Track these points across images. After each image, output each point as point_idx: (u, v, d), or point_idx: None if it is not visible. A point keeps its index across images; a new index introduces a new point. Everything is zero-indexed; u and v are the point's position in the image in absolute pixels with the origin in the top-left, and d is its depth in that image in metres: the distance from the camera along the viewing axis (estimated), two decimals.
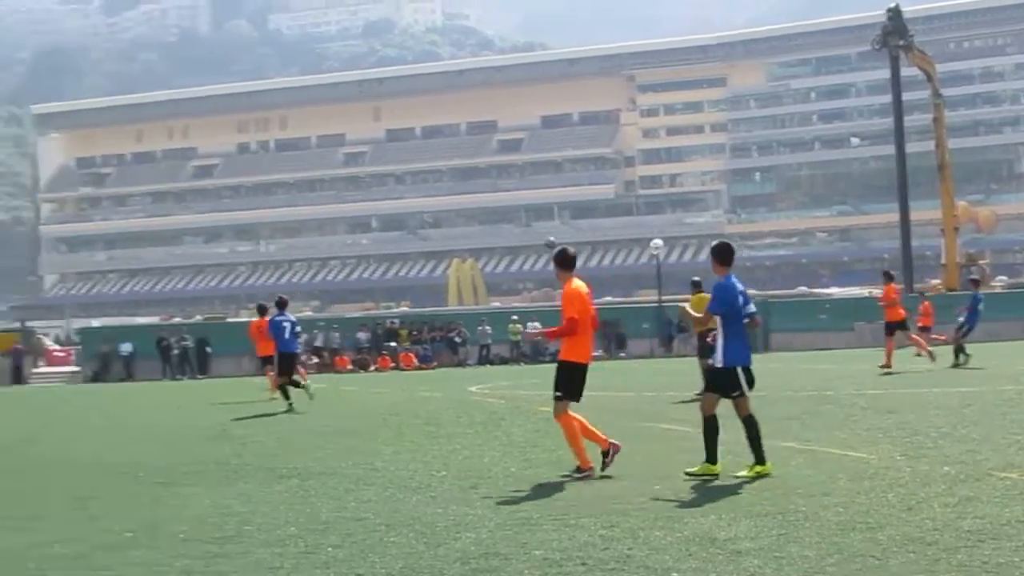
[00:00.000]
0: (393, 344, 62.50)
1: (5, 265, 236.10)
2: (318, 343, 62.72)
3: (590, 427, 13.93)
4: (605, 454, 13.68)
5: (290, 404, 26.91)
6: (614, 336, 62.84)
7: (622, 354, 61.45)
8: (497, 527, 10.70)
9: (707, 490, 12.31)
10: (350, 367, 59.79)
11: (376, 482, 13.78)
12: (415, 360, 60.08)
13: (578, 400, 13.98)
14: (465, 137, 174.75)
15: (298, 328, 28.67)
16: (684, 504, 11.59)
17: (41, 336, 78.59)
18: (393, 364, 60.06)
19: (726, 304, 13.26)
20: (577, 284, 14.01)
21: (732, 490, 12.18)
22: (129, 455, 18.18)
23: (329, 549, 9.98)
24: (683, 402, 23.49)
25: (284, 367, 28.07)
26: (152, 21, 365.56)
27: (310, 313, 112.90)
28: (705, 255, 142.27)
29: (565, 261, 14.15)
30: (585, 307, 13.95)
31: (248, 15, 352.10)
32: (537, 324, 51.33)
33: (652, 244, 77.57)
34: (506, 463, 13.79)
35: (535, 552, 9.54)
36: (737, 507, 11.23)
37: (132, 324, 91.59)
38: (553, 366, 14.41)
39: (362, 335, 64.10)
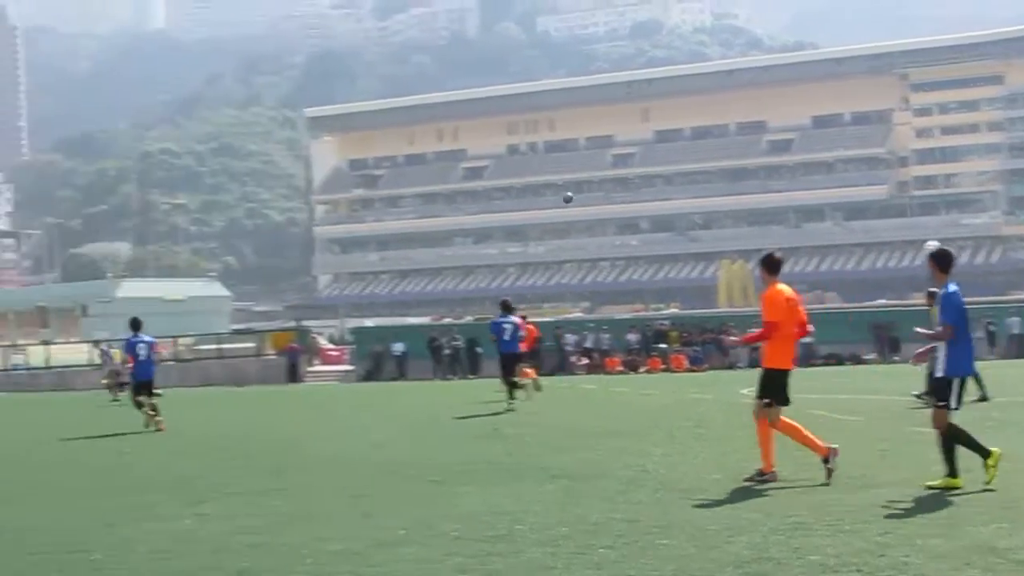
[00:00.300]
0: (663, 346, 62.12)
1: (281, 265, 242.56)
2: (588, 344, 62.83)
3: (807, 434, 13.69)
4: (826, 460, 13.39)
5: (510, 405, 27.49)
6: (887, 339, 61.57)
7: (895, 357, 60.18)
8: (770, 531, 10.52)
9: (983, 499, 11.90)
10: (620, 368, 59.67)
11: (647, 484, 13.67)
12: (686, 362, 59.58)
13: (787, 404, 13.77)
14: (734, 137, 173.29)
15: (521, 332, 29.29)
16: (959, 511, 11.25)
17: (316, 335, 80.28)
18: (663, 366, 59.73)
19: (959, 313, 12.82)
20: (781, 288, 13.87)
21: (1010, 499, 11.75)
22: (401, 453, 18.39)
23: (600, 550, 9.92)
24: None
25: (506, 368, 28.62)
26: (422, 24, 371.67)
27: (579, 314, 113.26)
28: (982, 257, 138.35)
29: (772, 265, 14.03)
30: (790, 312, 13.79)
31: (517, 17, 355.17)
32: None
33: (926, 246, 75.77)
34: (777, 467, 13.53)
35: (810, 557, 9.36)
36: (1017, 516, 10.85)
37: (404, 324, 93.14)
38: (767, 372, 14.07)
39: (632, 336, 63.90)
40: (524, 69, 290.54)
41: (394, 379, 61.00)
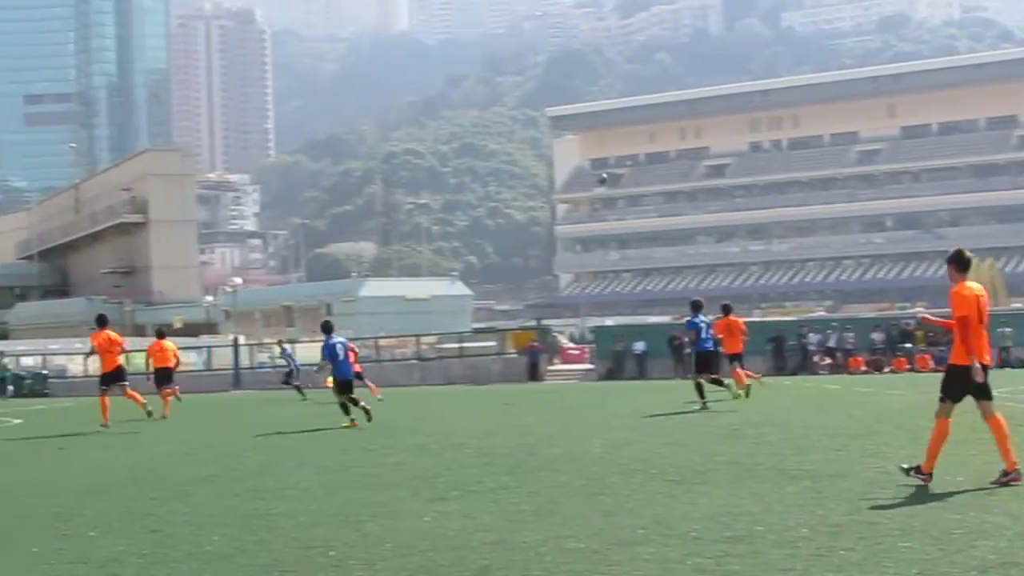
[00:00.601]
0: (908, 345, 61.08)
1: (522, 265, 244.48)
2: (831, 343, 62.13)
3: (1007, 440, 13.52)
4: (1006, 474, 13.20)
5: (704, 404, 27.94)
6: None
7: None
8: (1016, 536, 10.26)
9: None
10: (864, 368, 58.90)
11: (889, 486, 13.42)
12: (931, 362, 58.37)
13: (958, 401, 13.76)
14: (984, 133, 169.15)
15: (712, 331, 29.86)
16: None
17: (557, 334, 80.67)
18: (908, 366, 58.77)
19: None
20: (971, 285, 13.82)
21: None
22: (641, 452, 18.36)
23: (841, 552, 9.78)
24: None
25: (700, 367, 29.12)
26: (665, 22, 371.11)
27: (822, 313, 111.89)
28: None
29: (962, 263, 13.97)
30: (978, 309, 13.77)
31: (760, 14, 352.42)
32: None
33: None
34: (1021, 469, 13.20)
35: None
36: None
37: (645, 323, 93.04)
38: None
39: (876, 336, 62.87)
40: (767, 65, 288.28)
41: (634, 378, 60.99)
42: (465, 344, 74.00)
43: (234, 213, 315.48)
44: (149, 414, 29.99)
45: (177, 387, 35.26)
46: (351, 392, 27.47)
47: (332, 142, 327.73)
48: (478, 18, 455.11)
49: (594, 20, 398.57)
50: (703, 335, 29.27)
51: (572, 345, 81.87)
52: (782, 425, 22.85)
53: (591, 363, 69.09)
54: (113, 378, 30.13)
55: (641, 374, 62.51)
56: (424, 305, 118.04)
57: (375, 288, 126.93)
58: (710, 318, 30.89)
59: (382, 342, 75.97)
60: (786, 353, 62.27)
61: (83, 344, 56.78)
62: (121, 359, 30.48)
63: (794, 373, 58.50)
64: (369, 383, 39.02)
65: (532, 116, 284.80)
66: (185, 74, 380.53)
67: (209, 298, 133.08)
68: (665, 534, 10.83)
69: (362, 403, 27.39)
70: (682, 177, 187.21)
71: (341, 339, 28.33)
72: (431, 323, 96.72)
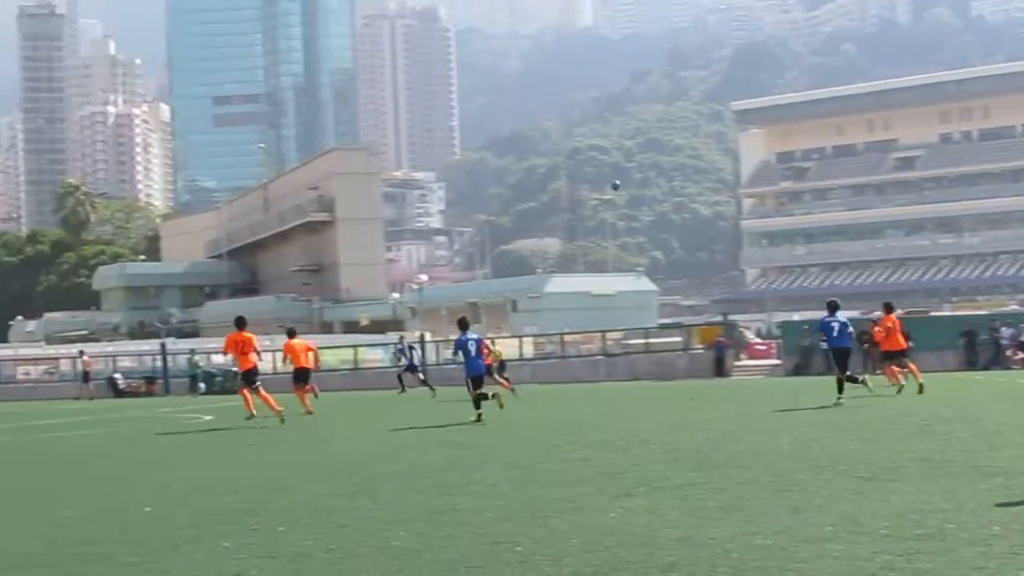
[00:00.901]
0: None
1: (708, 260, 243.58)
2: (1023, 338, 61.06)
3: None
4: None
5: (839, 400, 28.42)
6: None
7: None
8: None
9: None
10: None
11: None
12: None
13: None
14: None
15: (849, 328, 30.72)
16: None
17: (743, 329, 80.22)
18: None
19: None
20: None
21: None
22: (829, 448, 18.16)
23: None
24: None
25: (839, 363, 29.92)
26: (851, 13, 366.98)
27: (1016, 307, 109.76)
28: None
29: None
30: None
31: (949, 3, 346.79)
32: None
33: None
34: None
35: None
36: None
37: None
38: None
39: None
40: (957, 55, 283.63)
41: (822, 374, 60.34)
42: (651, 340, 73.87)
43: (420, 211, 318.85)
44: (282, 420, 29.93)
45: (314, 384, 35.49)
46: (482, 386, 28.39)
47: (516, 139, 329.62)
48: (662, 12, 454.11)
49: (779, 12, 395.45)
50: (835, 333, 30.11)
51: (759, 340, 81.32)
52: (973, 421, 22.44)
53: (778, 359, 68.56)
54: (248, 377, 30.84)
55: (829, 369, 61.83)
56: (609, 301, 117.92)
57: (560, 284, 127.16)
58: (877, 314, 31.72)
59: (567, 338, 76.14)
60: (978, 347, 61.26)
61: (271, 342, 57.85)
62: (255, 358, 31.07)
63: (986, 368, 57.54)
64: (501, 379, 40.51)
65: (717, 110, 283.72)
66: (371, 73, 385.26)
67: (395, 295, 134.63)
68: (854, 531, 10.69)
69: (492, 394, 28.67)
70: (870, 170, 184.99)
71: (475, 336, 29.43)
72: (616, 319, 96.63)
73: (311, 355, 34.77)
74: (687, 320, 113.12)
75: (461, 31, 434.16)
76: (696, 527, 11.23)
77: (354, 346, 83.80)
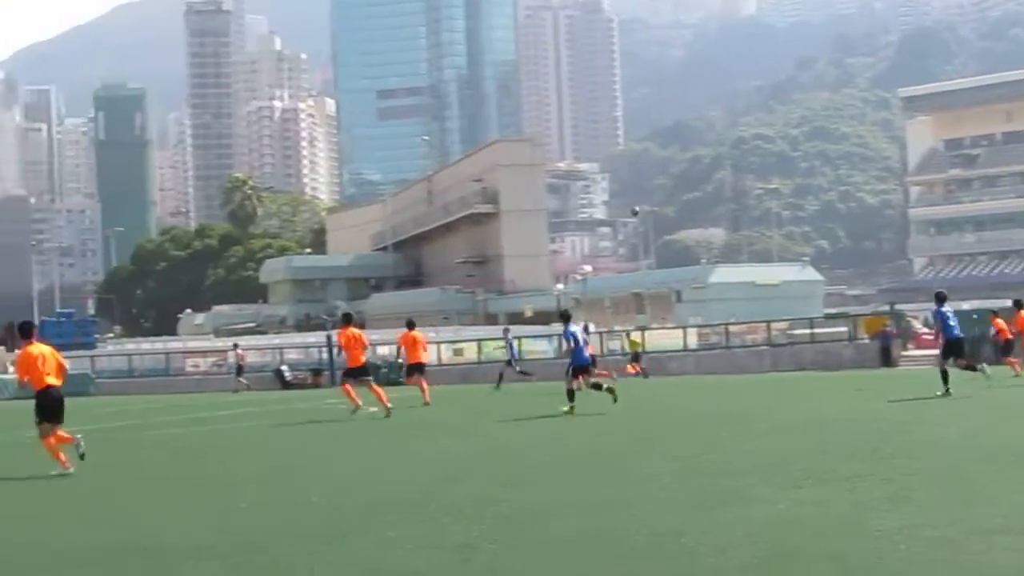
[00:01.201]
0: None
1: (874, 249, 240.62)
2: None
3: None
4: None
5: (947, 389, 28.05)
6: None
7: None
8: None
9: None
10: None
11: None
12: None
13: None
14: None
15: (951, 320, 30.23)
16: None
17: (910, 319, 79.14)
18: None
19: None
20: None
21: None
22: (1002, 438, 17.89)
23: None
24: None
25: (947, 353, 29.81)
26: None
27: None
28: None
29: None
30: None
31: None
32: None
33: None
34: None
35: None
36: None
37: (1003, 307, 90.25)
38: None
39: None
40: None
41: (992, 363, 59.30)
42: (816, 330, 73.15)
43: (583, 201, 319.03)
44: (388, 414, 29.97)
45: (423, 379, 35.35)
46: (589, 375, 29.40)
47: (680, 129, 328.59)
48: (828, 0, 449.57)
49: None
50: (951, 322, 29.94)
51: (926, 330, 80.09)
52: None
53: None
54: (358, 373, 31.14)
55: (999, 359, 60.75)
56: (774, 291, 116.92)
57: (725, 274, 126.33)
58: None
59: (732, 328, 75.65)
60: None
61: (436, 334, 58.31)
62: (365, 355, 31.42)
63: None
64: (602, 369, 40.25)
65: (884, 97, 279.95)
66: (534, 64, 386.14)
67: (560, 286, 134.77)
68: None
69: (606, 385, 29.34)
70: None
71: (578, 327, 30.41)
72: (781, 309, 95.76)
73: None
74: (853, 310, 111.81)
75: (624, 21, 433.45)
76: (864, 518, 11.14)
77: (518, 338, 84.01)
